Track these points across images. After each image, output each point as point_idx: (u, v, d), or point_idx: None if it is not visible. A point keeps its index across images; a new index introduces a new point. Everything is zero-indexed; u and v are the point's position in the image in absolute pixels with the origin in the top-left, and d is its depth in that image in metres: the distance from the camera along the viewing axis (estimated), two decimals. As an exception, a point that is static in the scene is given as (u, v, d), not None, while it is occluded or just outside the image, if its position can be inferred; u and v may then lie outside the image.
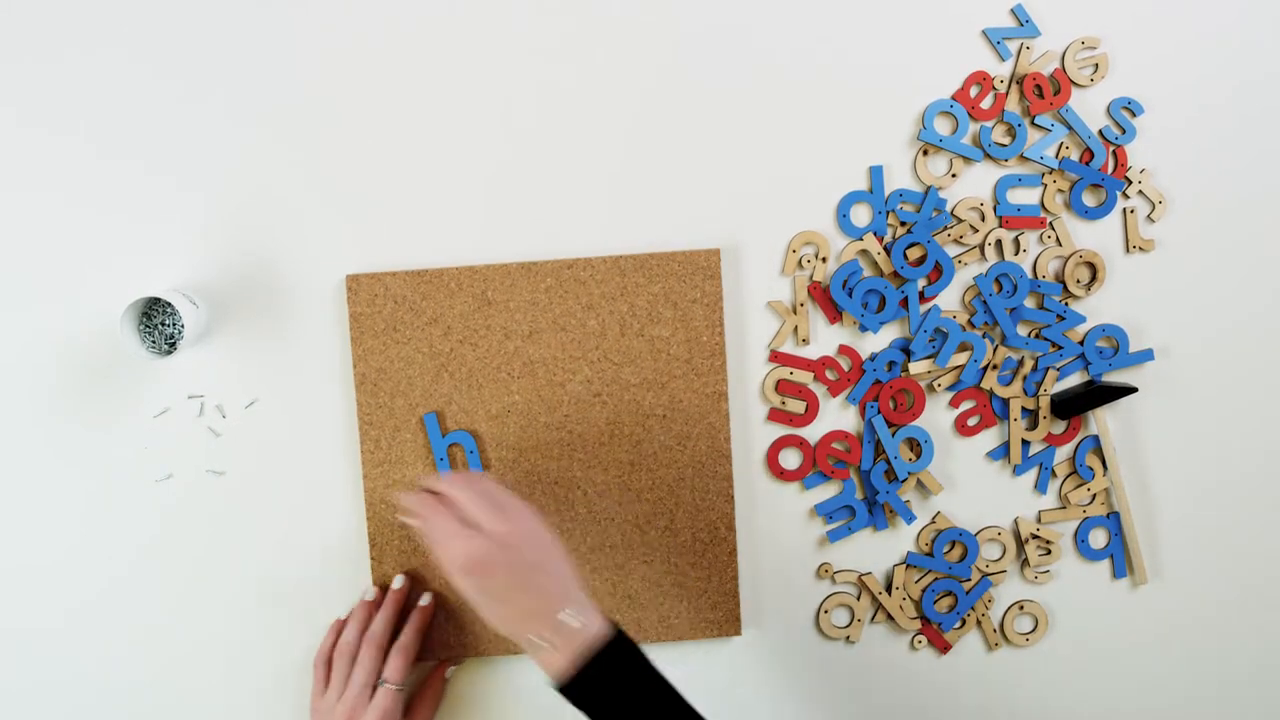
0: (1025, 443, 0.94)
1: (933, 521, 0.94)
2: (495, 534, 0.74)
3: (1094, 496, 0.95)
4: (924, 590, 0.94)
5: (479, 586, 0.74)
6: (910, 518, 0.93)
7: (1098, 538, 0.96)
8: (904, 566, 0.95)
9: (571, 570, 0.76)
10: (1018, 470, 0.94)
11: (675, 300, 0.90)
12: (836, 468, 0.93)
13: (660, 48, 0.90)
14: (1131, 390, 0.91)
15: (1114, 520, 0.95)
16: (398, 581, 0.90)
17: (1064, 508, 0.95)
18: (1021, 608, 0.96)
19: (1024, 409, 0.93)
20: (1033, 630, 0.96)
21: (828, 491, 0.94)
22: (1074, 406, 0.92)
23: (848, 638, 0.95)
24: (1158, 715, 0.97)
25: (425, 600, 0.91)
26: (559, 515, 0.91)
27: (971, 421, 0.94)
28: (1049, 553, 0.95)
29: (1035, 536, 0.94)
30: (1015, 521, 0.95)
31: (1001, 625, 0.96)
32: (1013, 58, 0.92)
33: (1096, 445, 0.94)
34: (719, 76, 0.90)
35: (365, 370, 0.89)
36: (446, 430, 0.90)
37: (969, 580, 0.95)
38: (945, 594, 0.95)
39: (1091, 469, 0.94)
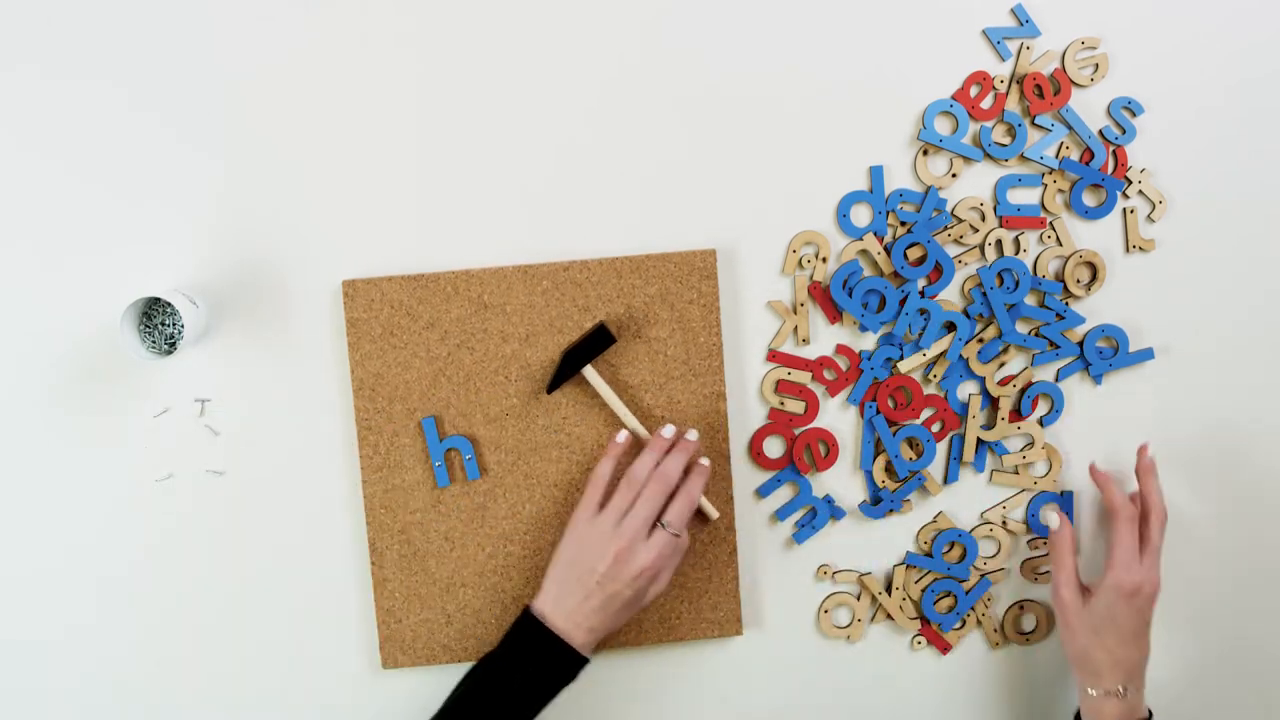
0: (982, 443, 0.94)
1: (933, 521, 0.94)
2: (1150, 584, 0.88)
3: (1049, 469, 0.94)
4: (924, 590, 0.95)
5: (1130, 615, 0.86)
6: (896, 506, 0.93)
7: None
8: (904, 566, 0.95)
9: None
10: (978, 467, 0.94)
11: (672, 301, 0.90)
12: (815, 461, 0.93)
13: (659, 48, 0.90)
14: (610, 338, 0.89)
15: (1067, 499, 0.95)
16: (692, 434, 0.89)
17: (1015, 473, 0.94)
18: (1022, 607, 0.96)
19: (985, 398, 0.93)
20: (1033, 630, 0.96)
21: (784, 495, 0.94)
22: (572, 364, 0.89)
23: (848, 638, 0.95)
24: (1157, 715, 0.97)
25: (705, 461, 0.89)
26: (559, 519, 0.91)
27: (935, 428, 0.93)
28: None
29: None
30: (1003, 519, 0.95)
31: (1002, 625, 0.96)
32: (1013, 58, 0.91)
33: (1042, 392, 0.93)
34: (718, 77, 0.90)
35: (363, 375, 0.89)
36: (444, 434, 0.89)
37: (968, 580, 0.95)
38: (945, 594, 0.95)
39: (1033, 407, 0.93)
